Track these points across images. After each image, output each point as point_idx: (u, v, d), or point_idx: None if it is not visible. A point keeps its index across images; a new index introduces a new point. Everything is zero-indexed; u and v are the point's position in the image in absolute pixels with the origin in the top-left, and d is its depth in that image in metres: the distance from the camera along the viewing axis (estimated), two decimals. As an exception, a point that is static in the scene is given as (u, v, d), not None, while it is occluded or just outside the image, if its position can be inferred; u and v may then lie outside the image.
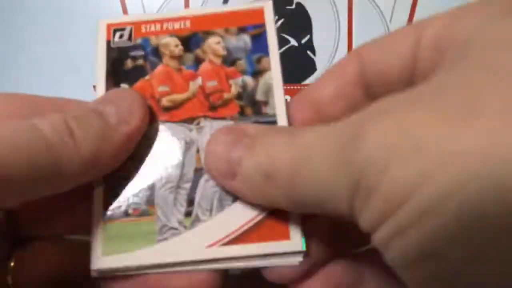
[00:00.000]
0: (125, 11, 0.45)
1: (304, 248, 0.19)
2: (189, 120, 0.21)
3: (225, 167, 0.19)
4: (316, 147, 0.16)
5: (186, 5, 0.44)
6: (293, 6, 0.46)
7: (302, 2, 0.46)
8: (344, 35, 0.45)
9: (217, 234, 0.19)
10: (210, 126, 0.21)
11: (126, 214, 0.20)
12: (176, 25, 0.23)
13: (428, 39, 0.18)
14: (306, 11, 0.46)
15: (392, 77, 0.19)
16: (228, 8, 0.23)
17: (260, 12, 0.23)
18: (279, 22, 0.44)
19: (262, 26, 0.22)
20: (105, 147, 0.18)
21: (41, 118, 0.18)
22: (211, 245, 0.19)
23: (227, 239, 0.19)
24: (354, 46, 0.45)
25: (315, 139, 0.16)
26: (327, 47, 0.44)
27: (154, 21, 0.23)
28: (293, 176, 0.16)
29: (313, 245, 0.20)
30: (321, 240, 0.20)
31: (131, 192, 0.20)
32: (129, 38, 0.23)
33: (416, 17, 0.45)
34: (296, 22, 0.41)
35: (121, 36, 0.22)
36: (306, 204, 0.17)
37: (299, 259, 0.19)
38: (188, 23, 0.23)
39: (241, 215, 0.19)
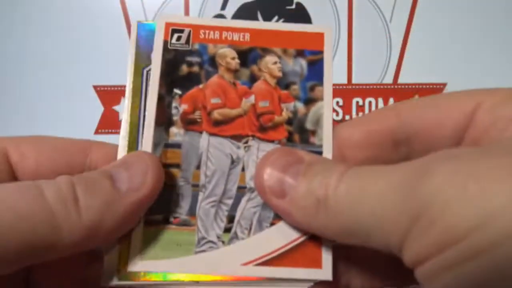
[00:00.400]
0: (124, 9, 0.44)
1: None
2: (238, 137, 0.22)
3: (277, 185, 0.19)
4: (379, 180, 0.17)
5: (186, 5, 0.43)
6: (293, 6, 0.46)
7: (302, 2, 0.46)
8: (344, 35, 0.46)
9: (253, 253, 0.20)
10: (257, 147, 0.22)
11: (166, 221, 0.21)
12: (236, 37, 0.22)
13: (490, 104, 0.19)
14: (306, 11, 0.46)
15: (442, 135, 0.20)
16: (288, 26, 0.23)
17: (320, 37, 0.23)
18: (279, 22, 0.44)
19: (320, 53, 0.23)
20: (108, 218, 0.18)
21: (48, 181, 0.17)
22: (245, 264, 0.20)
23: (261, 260, 0.20)
24: (354, 46, 0.45)
25: (377, 174, 0.17)
26: (327, 47, 0.45)
27: (213, 28, 0.22)
28: (349, 205, 0.17)
29: None
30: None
31: (174, 200, 0.21)
32: (187, 41, 0.22)
33: (416, 17, 0.46)
34: (296, 22, 0.43)
35: (178, 38, 0.22)
36: (354, 233, 0.17)
37: None
38: (247, 36, 0.22)
39: (277, 239, 0.21)
